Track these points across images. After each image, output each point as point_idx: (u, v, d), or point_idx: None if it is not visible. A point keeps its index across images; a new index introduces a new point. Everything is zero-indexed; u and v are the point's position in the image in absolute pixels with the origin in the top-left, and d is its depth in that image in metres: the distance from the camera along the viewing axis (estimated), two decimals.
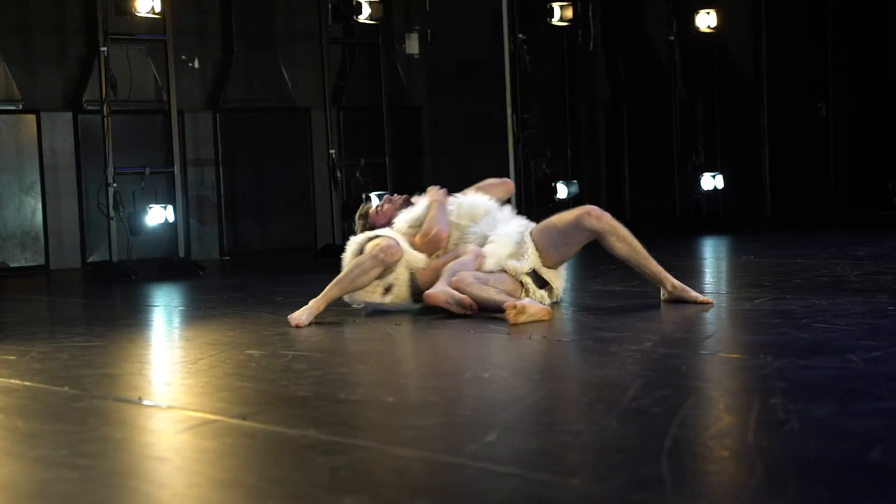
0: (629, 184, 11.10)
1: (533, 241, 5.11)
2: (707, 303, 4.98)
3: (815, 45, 11.67)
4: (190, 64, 9.36)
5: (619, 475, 2.46)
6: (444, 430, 2.93)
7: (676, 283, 5.07)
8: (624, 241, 5.04)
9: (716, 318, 4.70)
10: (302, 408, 3.26)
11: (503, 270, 5.07)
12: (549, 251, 5.10)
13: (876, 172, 11.22)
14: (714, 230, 10.07)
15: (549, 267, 5.12)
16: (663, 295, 5.09)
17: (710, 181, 10.67)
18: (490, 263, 5.10)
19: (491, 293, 4.90)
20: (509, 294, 4.96)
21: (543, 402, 3.28)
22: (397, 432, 2.96)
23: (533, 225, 5.20)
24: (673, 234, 9.65)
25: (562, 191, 9.77)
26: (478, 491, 2.40)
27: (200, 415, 3.22)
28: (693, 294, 5.04)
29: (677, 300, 5.02)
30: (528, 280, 5.09)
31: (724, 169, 10.80)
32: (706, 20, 10.72)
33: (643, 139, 11.11)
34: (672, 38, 10.70)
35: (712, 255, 8.14)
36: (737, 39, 11.70)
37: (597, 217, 5.04)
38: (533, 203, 9.66)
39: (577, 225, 5.07)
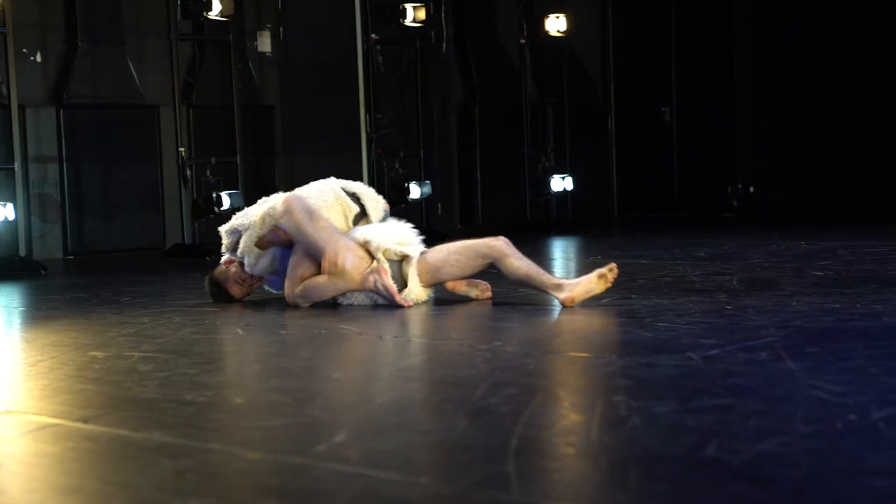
0: (481, 184, 11.23)
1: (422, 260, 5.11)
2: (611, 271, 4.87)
3: (660, 50, 12.00)
4: (31, 58, 9.07)
5: (466, 474, 2.49)
6: (293, 431, 2.91)
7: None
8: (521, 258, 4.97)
9: (564, 318, 4.78)
10: (147, 410, 3.20)
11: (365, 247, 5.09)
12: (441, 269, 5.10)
13: (717, 176, 11.60)
14: (563, 231, 10.27)
15: (424, 283, 5.12)
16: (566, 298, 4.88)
17: (560, 183, 10.88)
18: (360, 234, 5.13)
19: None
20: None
21: (393, 402, 3.29)
22: (245, 434, 2.93)
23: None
24: (523, 235, 9.76)
25: (415, 191, 9.81)
26: (326, 491, 2.39)
27: (40, 418, 3.13)
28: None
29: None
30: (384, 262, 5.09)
31: (574, 171, 11.03)
32: (556, 24, 10.92)
33: (494, 140, 11.26)
34: (523, 41, 10.87)
35: (562, 255, 8.29)
36: (586, 43, 11.95)
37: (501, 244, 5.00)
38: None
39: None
